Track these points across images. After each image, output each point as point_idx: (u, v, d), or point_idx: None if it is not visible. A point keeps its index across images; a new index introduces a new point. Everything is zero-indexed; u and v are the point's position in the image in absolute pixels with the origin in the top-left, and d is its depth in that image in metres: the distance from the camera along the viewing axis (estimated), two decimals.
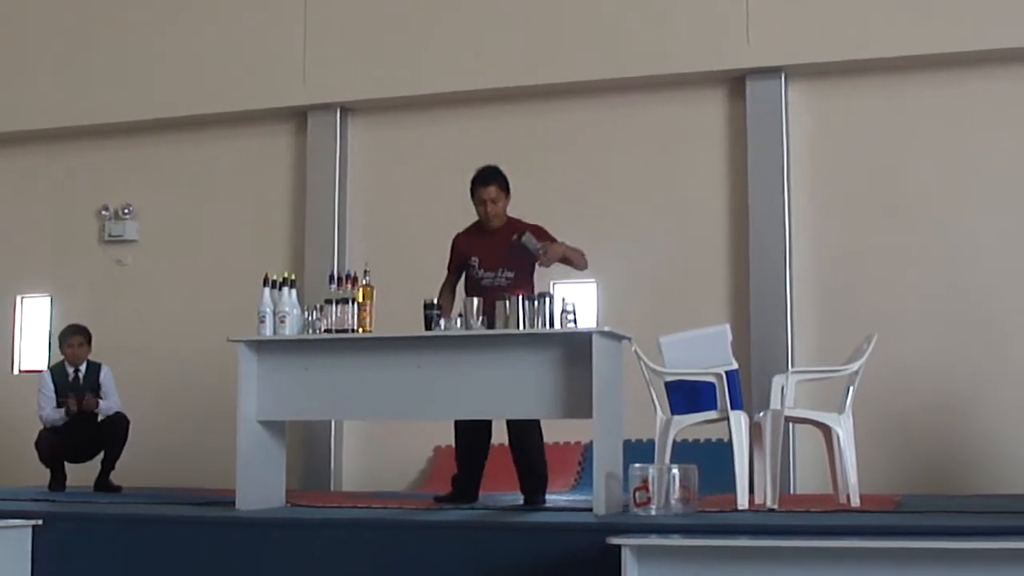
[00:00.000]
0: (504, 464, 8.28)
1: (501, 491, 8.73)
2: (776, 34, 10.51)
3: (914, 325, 10.13)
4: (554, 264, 7.92)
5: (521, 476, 7.99)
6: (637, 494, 6.53)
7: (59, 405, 9.70)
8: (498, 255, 7.96)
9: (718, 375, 7.33)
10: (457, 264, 8.21)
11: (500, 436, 8.23)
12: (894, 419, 10.02)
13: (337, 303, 7.34)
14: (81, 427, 9.69)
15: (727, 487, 7.25)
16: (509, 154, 11.13)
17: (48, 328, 12.41)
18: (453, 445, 8.23)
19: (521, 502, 7.91)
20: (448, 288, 8.20)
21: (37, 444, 9.76)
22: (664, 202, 10.91)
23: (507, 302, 7.12)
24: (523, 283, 7.86)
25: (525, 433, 7.91)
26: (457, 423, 8.05)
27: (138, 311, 12.08)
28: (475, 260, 8.05)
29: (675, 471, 6.61)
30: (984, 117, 10.27)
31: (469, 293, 7.79)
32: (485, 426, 8.00)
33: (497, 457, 8.19)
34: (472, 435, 8.03)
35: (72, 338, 9.90)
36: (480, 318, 7.24)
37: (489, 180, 8.03)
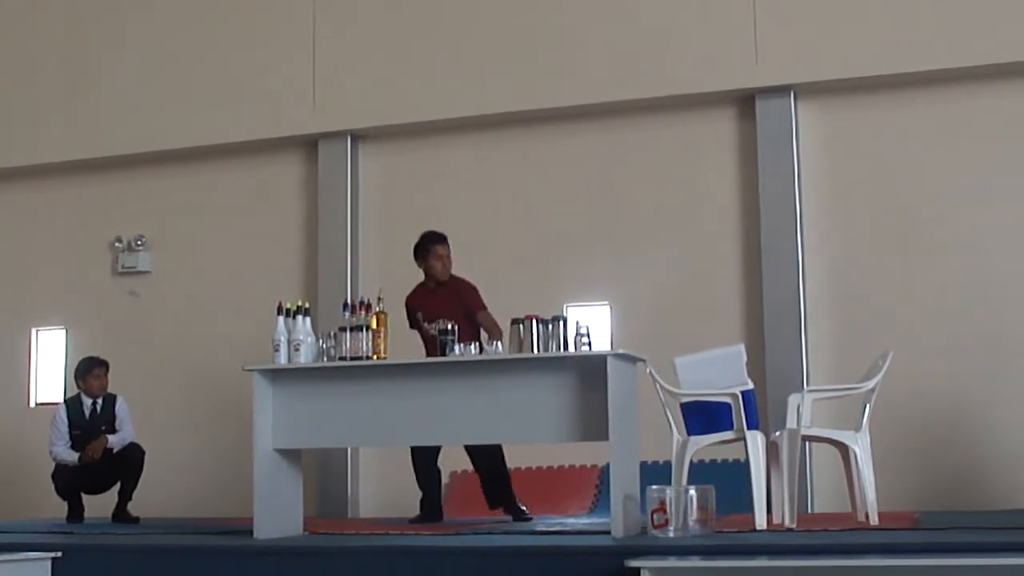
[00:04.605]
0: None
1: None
2: (785, 53, 10.51)
3: (929, 342, 10.09)
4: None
5: (491, 496, 8.74)
6: (655, 516, 6.52)
7: (71, 439, 9.77)
8: (438, 309, 8.36)
9: (734, 395, 7.31)
10: (412, 320, 8.83)
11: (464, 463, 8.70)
12: (911, 436, 9.98)
13: (351, 330, 7.36)
14: (96, 459, 9.71)
15: (745, 507, 7.23)
16: (519, 178, 11.23)
17: (63, 360, 12.43)
18: (414, 470, 8.88)
19: (510, 519, 8.62)
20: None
21: (54, 476, 9.83)
22: (676, 223, 10.90)
23: (521, 326, 7.14)
24: (464, 328, 8.09)
25: (482, 455, 8.64)
26: (412, 448, 8.68)
27: (152, 342, 12.09)
28: (419, 315, 8.66)
29: (692, 492, 6.61)
30: (995, 131, 10.24)
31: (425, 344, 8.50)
32: (435, 448, 8.66)
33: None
34: (427, 457, 8.71)
35: (98, 368, 10.04)
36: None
37: (445, 239, 8.80)
